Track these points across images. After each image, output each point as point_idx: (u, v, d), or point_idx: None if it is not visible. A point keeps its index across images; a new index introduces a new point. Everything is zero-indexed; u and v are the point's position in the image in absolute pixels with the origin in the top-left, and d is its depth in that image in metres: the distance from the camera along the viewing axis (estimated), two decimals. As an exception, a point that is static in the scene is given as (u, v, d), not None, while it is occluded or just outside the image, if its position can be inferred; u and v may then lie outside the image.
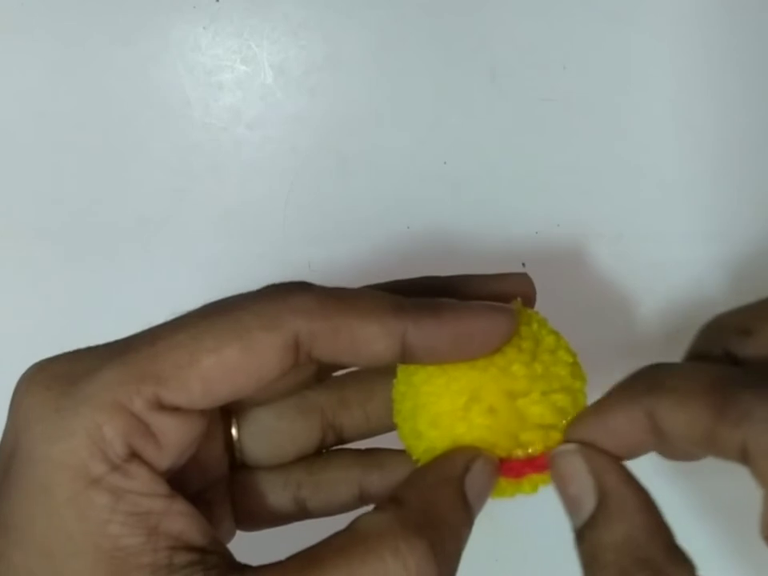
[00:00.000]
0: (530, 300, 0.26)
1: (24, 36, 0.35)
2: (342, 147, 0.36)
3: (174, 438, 0.21)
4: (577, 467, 0.23)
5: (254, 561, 0.22)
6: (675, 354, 0.36)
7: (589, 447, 0.23)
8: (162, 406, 0.21)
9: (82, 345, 0.36)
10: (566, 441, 0.23)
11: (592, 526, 0.22)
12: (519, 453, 0.23)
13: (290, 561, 0.20)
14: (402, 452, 0.26)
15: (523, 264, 0.35)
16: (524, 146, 0.35)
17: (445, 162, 0.35)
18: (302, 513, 0.27)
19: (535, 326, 0.24)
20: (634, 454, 0.23)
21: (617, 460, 0.23)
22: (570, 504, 0.23)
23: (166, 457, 0.21)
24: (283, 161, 0.36)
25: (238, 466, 0.27)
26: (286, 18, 0.35)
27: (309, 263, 0.36)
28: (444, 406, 0.23)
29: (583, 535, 0.22)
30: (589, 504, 0.22)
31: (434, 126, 0.35)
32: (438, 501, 0.22)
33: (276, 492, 0.27)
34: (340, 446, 0.28)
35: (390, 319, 0.22)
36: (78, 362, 0.22)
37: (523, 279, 0.26)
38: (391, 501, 0.22)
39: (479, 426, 0.23)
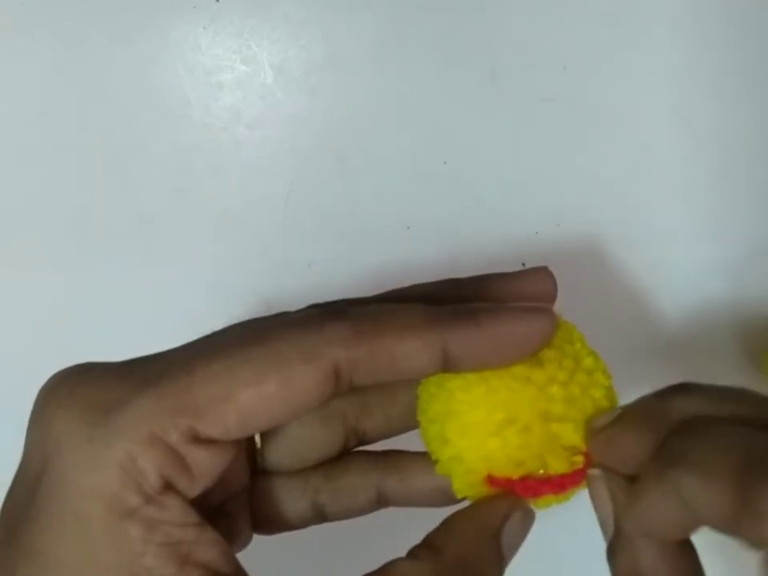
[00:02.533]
0: (553, 295, 0.26)
1: (24, 36, 0.35)
2: (342, 147, 0.36)
3: (207, 469, 0.21)
4: (601, 492, 0.23)
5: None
6: (676, 354, 0.36)
7: (613, 474, 0.23)
8: (197, 439, 0.20)
9: (82, 345, 0.36)
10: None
11: (611, 552, 0.22)
12: (541, 472, 0.23)
13: None
14: (420, 454, 0.26)
15: (523, 264, 0.35)
16: (524, 146, 0.35)
17: (445, 162, 0.35)
18: (319, 517, 0.27)
19: (578, 345, 0.24)
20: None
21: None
22: (600, 526, 0.23)
23: (199, 486, 0.21)
24: (283, 161, 0.36)
25: (258, 472, 0.27)
26: (286, 18, 0.35)
27: (309, 263, 0.36)
28: (478, 417, 0.23)
29: (608, 558, 0.22)
30: (609, 529, 0.22)
31: (434, 126, 0.35)
32: (474, 553, 0.22)
33: (294, 498, 0.26)
34: (358, 449, 0.28)
35: (428, 332, 0.21)
36: (109, 388, 0.21)
37: (545, 276, 0.26)
38: (427, 548, 0.22)
39: (513, 444, 0.23)
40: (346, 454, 0.28)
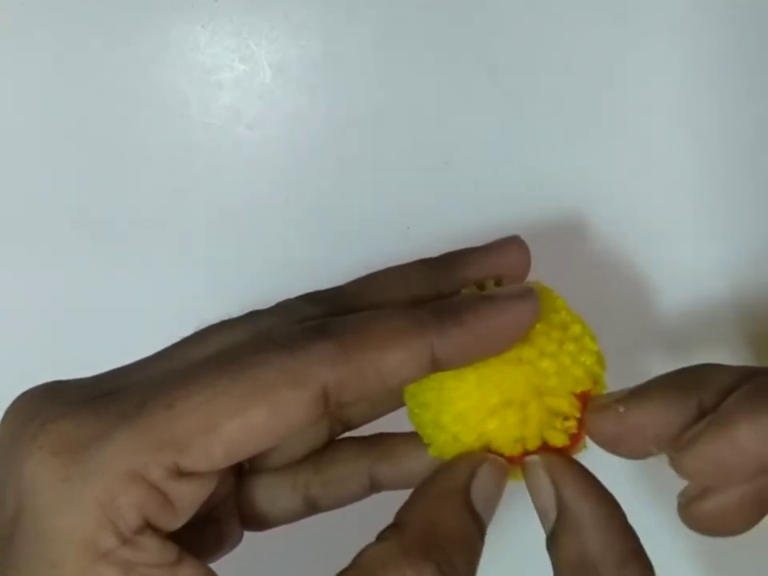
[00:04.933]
0: (527, 266, 0.26)
1: (23, 35, 0.35)
2: (341, 147, 0.36)
3: (191, 501, 0.21)
4: (541, 479, 0.23)
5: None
6: (676, 355, 0.36)
7: (555, 457, 0.23)
8: (180, 473, 0.20)
9: (82, 344, 0.36)
10: (588, 432, 0.24)
11: (553, 539, 0.22)
12: (539, 444, 0.23)
13: None
14: (408, 435, 0.26)
15: (524, 264, 0.35)
16: (525, 146, 0.35)
17: (446, 162, 0.35)
18: (312, 510, 0.26)
19: (563, 313, 0.24)
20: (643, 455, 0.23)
21: (582, 471, 0.23)
22: (539, 515, 0.23)
23: (182, 519, 0.21)
24: (282, 160, 0.36)
25: (244, 472, 0.26)
26: (286, 17, 0.35)
27: (309, 263, 0.36)
28: (473, 402, 0.23)
29: (548, 546, 0.22)
30: (551, 515, 0.22)
31: (434, 126, 0.35)
32: (441, 518, 0.21)
33: (285, 495, 0.26)
34: (345, 436, 0.27)
35: (414, 340, 0.21)
36: (84, 424, 0.20)
37: (518, 246, 0.26)
38: (393, 527, 0.21)
39: (510, 424, 0.23)
40: (333, 443, 0.27)
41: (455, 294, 0.24)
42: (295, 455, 0.26)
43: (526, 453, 0.23)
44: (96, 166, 0.36)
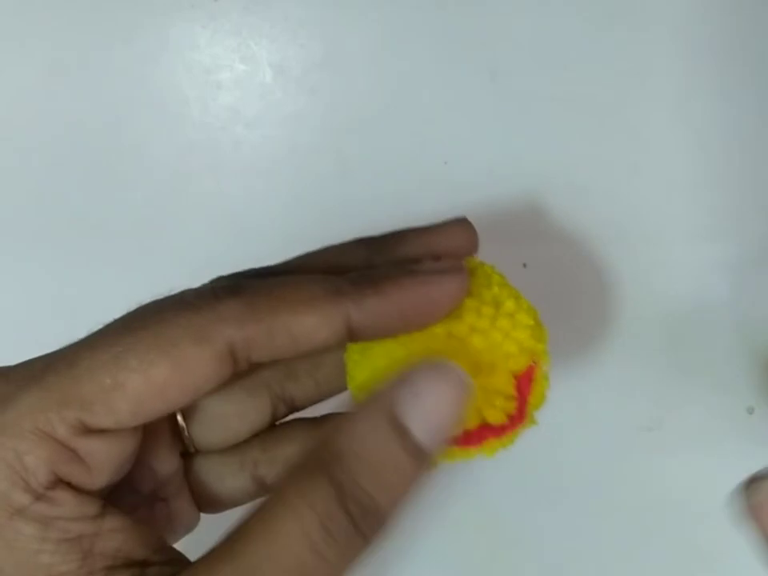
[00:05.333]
0: (473, 247, 0.25)
1: (24, 36, 0.35)
2: (341, 147, 0.36)
3: (104, 459, 0.21)
4: None
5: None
6: (676, 355, 0.36)
7: None
8: (88, 430, 0.20)
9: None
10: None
11: None
12: (478, 423, 0.23)
13: (221, 543, 0.19)
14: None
15: (524, 264, 0.35)
16: (524, 146, 0.35)
17: (445, 162, 0.35)
18: (263, 489, 0.26)
19: (496, 289, 0.23)
20: None
21: None
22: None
23: (99, 477, 0.21)
24: (282, 160, 0.36)
25: (190, 453, 0.26)
26: (285, 17, 0.35)
27: (308, 263, 0.36)
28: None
29: None
30: None
31: (434, 126, 0.35)
32: (357, 439, 0.19)
33: (233, 474, 0.26)
34: (292, 417, 0.27)
35: (328, 306, 0.21)
36: None
37: (464, 227, 0.25)
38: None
39: None
40: (282, 424, 0.27)
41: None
42: (240, 435, 0.26)
43: (466, 432, 0.23)
44: (96, 166, 0.36)
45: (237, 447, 0.26)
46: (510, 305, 0.23)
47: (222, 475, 0.26)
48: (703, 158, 0.35)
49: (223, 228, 0.36)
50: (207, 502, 0.26)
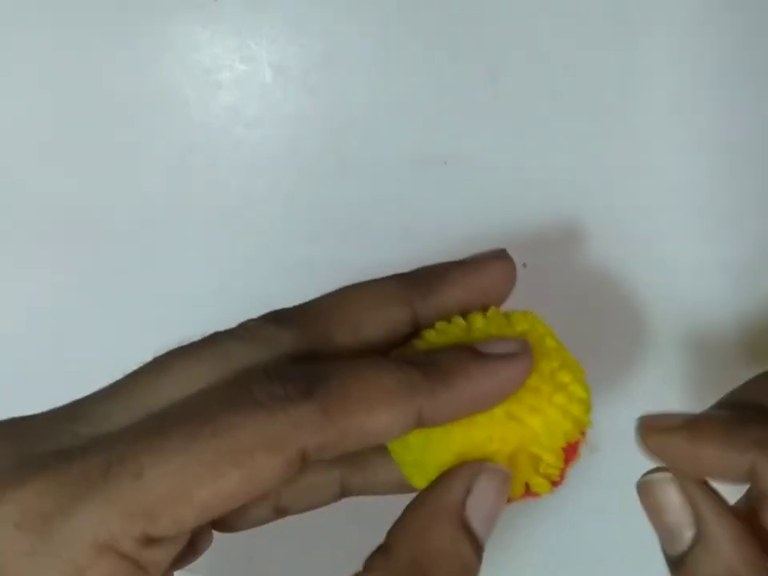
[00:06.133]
0: (513, 283, 0.25)
1: (24, 36, 0.35)
2: (341, 147, 0.36)
3: (162, 562, 0.20)
4: (672, 497, 0.22)
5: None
6: (677, 355, 0.36)
7: (680, 475, 0.22)
8: (150, 540, 0.19)
9: (81, 344, 0.36)
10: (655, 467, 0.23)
11: (690, 556, 0.22)
12: (522, 492, 0.23)
13: None
14: (383, 448, 0.25)
15: (524, 265, 0.34)
16: (524, 146, 0.35)
17: (445, 162, 0.35)
18: (281, 515, 0.26)
19: (553, 356, 0.23)
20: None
21: (713, 490, 0.22)
22: (666, 533, 0.22)
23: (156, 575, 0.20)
24: (282, 160, 0.36)
25: None
26: (286, 17, 0.35)
27: (308, 263, 0.36)
28: (458, 455, 0.22)
29: (680, 565, 0.22)
30: (687, 534, 0.22)
31: (434, 126, 0.35)
32: (431, 540, 0.20)
33: (255, 507, 0.25)
34: None
35: (402, 403, 0.20)
36: (46, 491, 0.19)
37: (503, 262, 0.25)
38: (381, 551, 0.20)
39: None
40: None
41: (436, 320, 0.24)
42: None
43: (509, 500, 0.23)
44: (96, 166, 0.36)
45: None
46: (565, 377, 0.23)
47: (245, 506, 0.26)
48: (703, 158, 0.34)
49: (223, 228, 0.36)
50: (223, 526, 0.26)
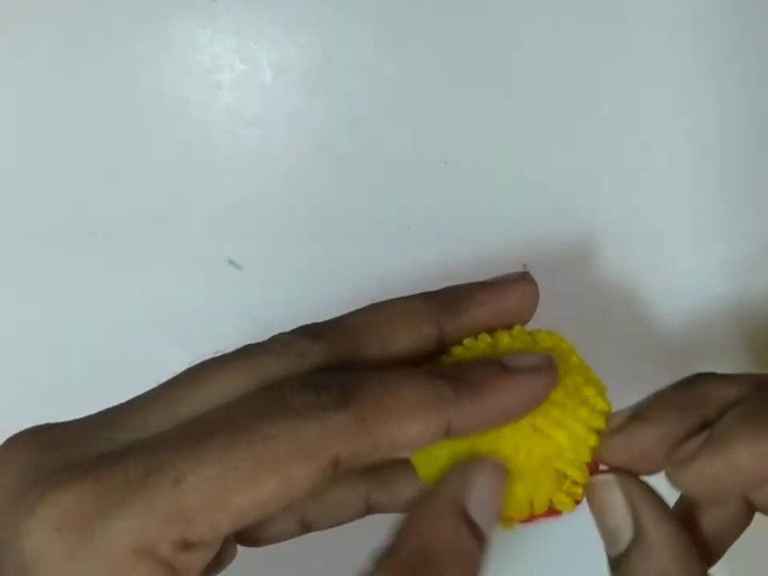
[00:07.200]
0: (536, 304, 0.25)
1: (24, 36, 0.35)
2: (341, 147, 0.36)
3: (197, 567, 0.20)
4: (615, 499, 0.23)
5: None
6: (677, 355, 0.36)
7: (626, 478, 0.23)
8: (187, 545, 0.20)
9: (81, 344, 0.36)
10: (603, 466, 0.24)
11: (627, 558, 0.22)
12: (546, 507, 0.24)
13: None
14: (405, 462, 0.25)
15: (524, 265, 0.34)
16: (525, 146, 0.35)
17: (445, 162, 0.35)
18: (305, 530, 0.26)
19: (576, 372, 0.24)
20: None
21: (654, 494, 0.23)
22: (607, 535, 0.23)
23: None
24: (282, 160, 0.36)
25: None
26: (286, 17, 0.35)
27: (308, 263, 0.36)
28: None
29: (618, 566, 0.22)
30: (625, 536, 0.22)
31: (434, 126, 0.35)
32: (435, 535, 0.21)
33: (281, 519, 0.26)
34: None
35: (432, 415, 0.21)
36: (85, 496, 0.19)
37: (527, 285, 0.25)
38: (386, 549, 0.21)
39: (522, 494, 0.23)
40: None
41: (461, 339, 0.24)
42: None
43: (532, 516, 0.23)
44: (95, 166, 0.36)
45: None
46: (588, 392, 0.24)
47: (270, 521, 0.26)
48: (703, 159, 0.35)
49: (223, 228, 0.36)
50: (248, 540, 0.26)
